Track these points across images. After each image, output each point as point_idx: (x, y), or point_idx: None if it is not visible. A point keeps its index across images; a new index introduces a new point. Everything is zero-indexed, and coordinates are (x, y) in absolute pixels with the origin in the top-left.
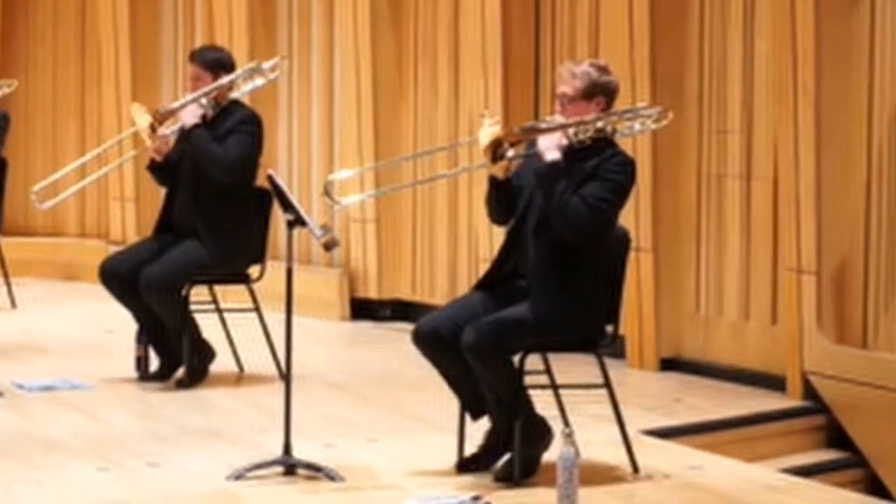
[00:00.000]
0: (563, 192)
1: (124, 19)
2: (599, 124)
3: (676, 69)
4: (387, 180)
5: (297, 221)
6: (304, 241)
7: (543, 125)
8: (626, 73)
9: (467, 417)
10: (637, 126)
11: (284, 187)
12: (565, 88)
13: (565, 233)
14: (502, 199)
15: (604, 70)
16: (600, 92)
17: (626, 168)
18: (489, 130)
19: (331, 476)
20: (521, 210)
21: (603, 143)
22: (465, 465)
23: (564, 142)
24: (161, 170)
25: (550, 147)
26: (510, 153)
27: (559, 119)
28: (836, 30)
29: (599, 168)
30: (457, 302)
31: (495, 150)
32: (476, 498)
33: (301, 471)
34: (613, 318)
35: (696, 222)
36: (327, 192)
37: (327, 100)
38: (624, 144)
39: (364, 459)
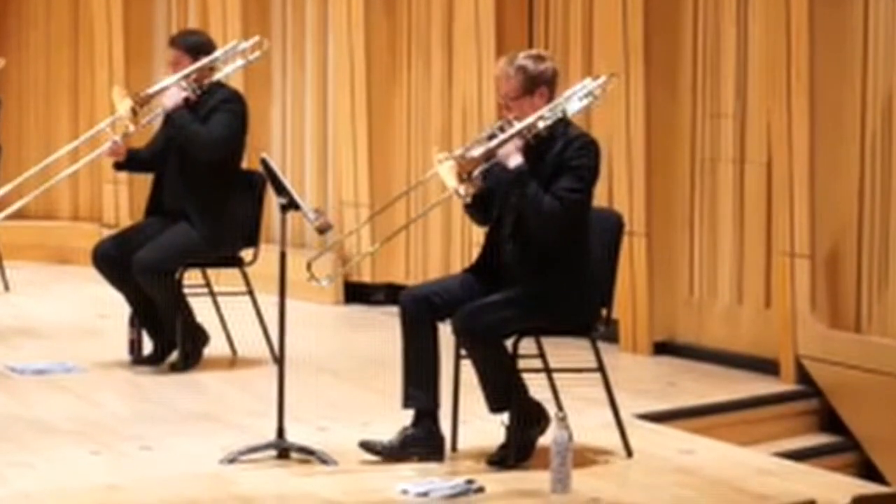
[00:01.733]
0: (535, 193)
1: (118, 2)
2: (549, 114)
3: (670, 53)
4: (381, 204)
5: (291, 205)
6: (298, 225)
7: (494, 142)
8: (619, 58)
9: (460, 402)
10: (586, 101)
11: (278, 171)
12: (506, 89)
13: (543, 230)
14: (480, 210)
15: (538, 58)
16: (541, 82)
17: (590, 149)
18: (446, 166)
19: (324, 459)
20: (498, 209)
21: (559, 126)
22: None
23: (521, 143)
24: (130, 164)
25: (511, 153)
26: (474, 174)
27: (501, 123)
28: (829, 14)
29: (563, 156)
30: (448, 279)
31: (462, 182)
32: (470, 481)
33: (294, 454)
34: (607, 301)
35: (690, 206)
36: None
37: (321, 84)
38: (617, 128)
39: (357, 443)
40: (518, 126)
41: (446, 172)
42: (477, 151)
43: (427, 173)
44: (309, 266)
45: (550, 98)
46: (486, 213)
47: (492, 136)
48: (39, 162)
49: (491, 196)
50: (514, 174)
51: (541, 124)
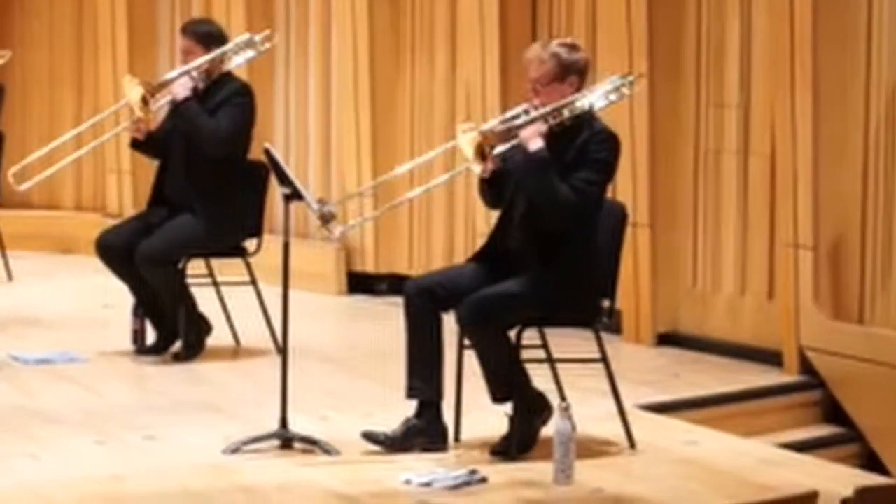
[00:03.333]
0: (552, 180)
1: None
2: (577, 105)
3: (674, 43)
4: (384, 188)
5: (294, 195)
6: (301, 215)
7: (520, 120)
8: (623, 48)
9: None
10: (613, 97)
11: (281, 161)
12: (536, 74)
13: (556, 219)
14: (495, 190)
15: (572, 48)
16: (573, 72)
17: (610, 143)
18: (467, 137)
19: (326, 450)
20: (510, 194)
21: (583, 120)
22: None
23: (544, 128)
24: (146, 145)
25: (532, 136)
26: (494, 151)
27: (525, 106)
28: (833, 4)
29: (584, 148)
30: (452, 269)
31: (480, 153)
32: (473, 472)
33: (297, 444)
34: (610, 292)
35: (694, 197)
36: (323, 221)
37: (324, 75)
38: (621, 119)
39: (360, 433)
40: (544, 109)
41: (466, 143)
42: (500, 129)
43: (447, 143)
44: (320, 216)
45: (579, 88)
46: (499, 194)
47: (515, 118)
48: (41, 151)
49: (506, 178)
50: (534, 158)
51: (566, 113)
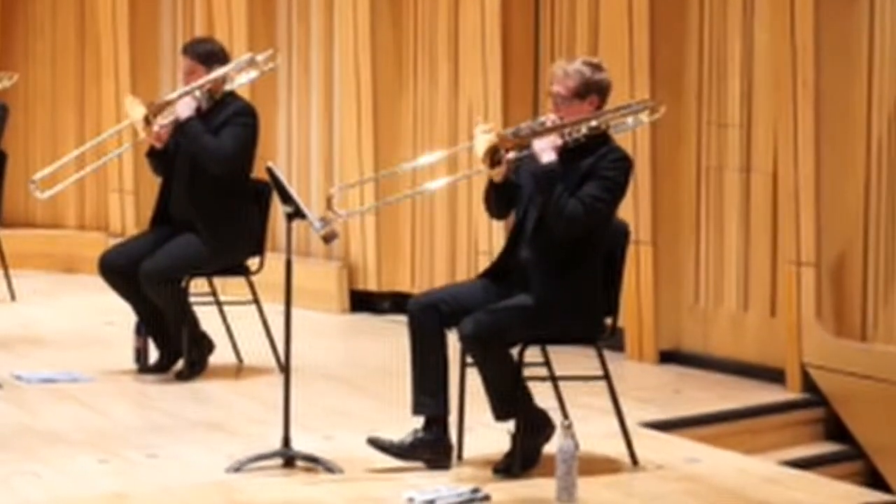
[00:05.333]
0: (561, 194)
1: (124, 12)
2: (594, 123)
3: (676, 62)
4: (386, 185)
5: (297, 214)
6: (304, 234)
7: (538, 127)
8: (624, 66)
9: (465, 410)
10: (630, 121)
11: (284, 179)
12: (558, 88)
13: (561, 232)
14: (501, 199)
15: (597, 68)
16: (594, 91)
17: (623, 164)
18: (484, 138)
19: (330, 468)
20: (524, 207)
21: (598, 140)
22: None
23: (559, 142)
24: (159, 157)
25: (546, 149)
26: (508, 156)
27: (552, 118)
28: (835, 23)
29: (596, 166)
30: (456, 286)
31: (492, 157)
32: (475, 490)
33: (300, 463)
34: (613, 310)
35: (696, 215)
36: (329, 205)
37: (327, 93)
38: (623, 136)
39: (363, 451)
40: (560, 122)
41: (481, 144)
42: (519, 135)
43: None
44: (329, 201)
45: (599, 108)
46: (505, 204)
47: (537, 127)
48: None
49: (515, 189)
50: (545, 170)
51: (583, 129)
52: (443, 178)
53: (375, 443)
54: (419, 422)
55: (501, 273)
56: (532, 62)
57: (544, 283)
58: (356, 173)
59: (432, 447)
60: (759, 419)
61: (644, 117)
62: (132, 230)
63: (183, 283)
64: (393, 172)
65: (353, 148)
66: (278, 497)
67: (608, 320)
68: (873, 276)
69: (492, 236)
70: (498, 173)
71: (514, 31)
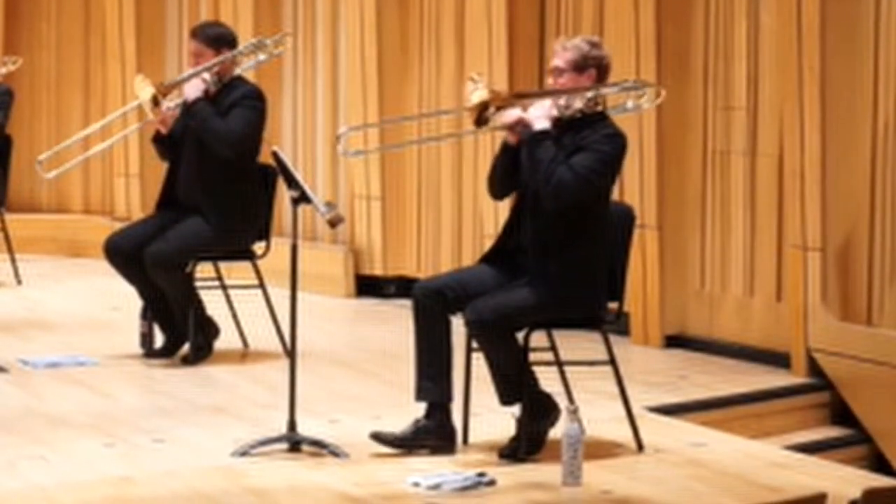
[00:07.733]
0: (551, 161)
1: None
2: (589, 94)
3: (682, 45)
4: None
5: (302, 198)
6: (309, 218)
7: (533, 91)
8: (631, 49)
9: (470, 393)
10: (630, 104)
11: (289, 164)
12: (557, 61)
13: (551, 201)
14: (509, 169)
15: (595, 45)
16: (592, 65)
17: (616, 139)
18: (478, 93)
19: (335, 452)
20: (525, 188)
21: (594, 117)
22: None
23: (555, 112)
24: (164, 142)
25: (540, 116)
26: (496, 117)
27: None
28: (841, 6)
29: (588, 139)
30: (461, 271)
31: (481, 113)
32: (481, 474)
33: (305, 447)
34: (618, 294)
35: (702, 199)
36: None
37: (332, 77)
38: (629, 121)
39: (368, 434)
40: (556, 89)
41: (474, 97)
42: (514, 95)
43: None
44: (338, 139)
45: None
46: (508, 184)
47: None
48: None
49: (515, 170)
50: (537, 137)
51: (578, 103)
52: (450, 157)
53: (378, 437)
54: (422, 409)
55: (505, 256)
56: (538, 46)
57: (545, 269)
58: (362, 158)
59: (436, 434)
60: (764, 403)
61: (645, 103)
62: (138, 214)
63: (188, 268)
64: (401, 120)
65: (358, 132)
66: (284, 481)
67: (613, 304)
68: (879, 261)
69: (497, 221)
70: (483, 121)
71: (519, 14)
